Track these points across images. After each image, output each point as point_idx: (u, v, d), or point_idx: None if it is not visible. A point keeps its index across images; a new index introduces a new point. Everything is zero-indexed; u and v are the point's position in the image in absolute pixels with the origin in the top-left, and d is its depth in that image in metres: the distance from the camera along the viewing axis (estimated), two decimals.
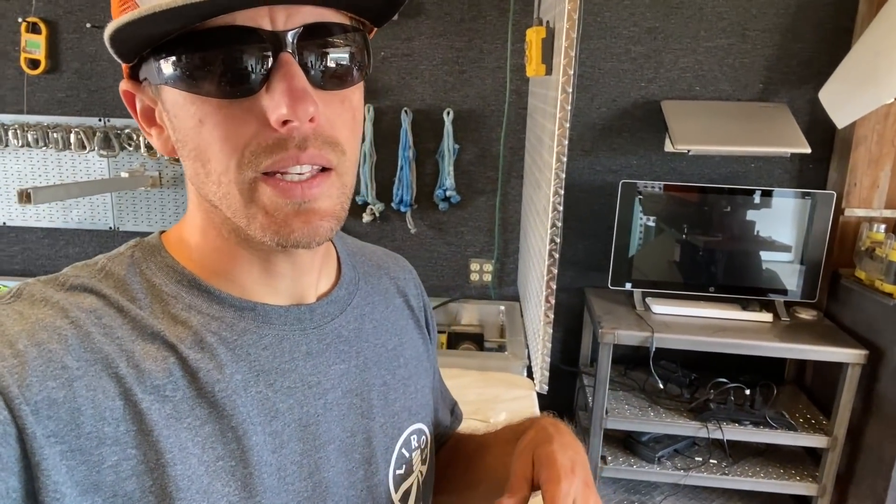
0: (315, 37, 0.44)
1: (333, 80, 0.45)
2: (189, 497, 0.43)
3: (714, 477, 1.93)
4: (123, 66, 0.46)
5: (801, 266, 1.95)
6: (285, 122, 0.42)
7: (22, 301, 0.44)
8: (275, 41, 0.42)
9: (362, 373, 0.55)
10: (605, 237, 2.13)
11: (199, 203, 0.49)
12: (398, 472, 0.58)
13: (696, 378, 2.05)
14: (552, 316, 1.44)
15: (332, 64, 0.45)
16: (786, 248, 1.96)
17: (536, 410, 1.42)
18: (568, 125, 1.33)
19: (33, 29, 2.10)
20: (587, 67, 2.05)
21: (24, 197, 1.54)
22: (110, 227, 2.24)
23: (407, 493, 0.59)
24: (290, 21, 0.42)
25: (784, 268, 1.97)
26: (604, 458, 1.98)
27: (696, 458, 1.99)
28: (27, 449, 0.38)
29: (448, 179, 2.08)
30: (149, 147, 2.11)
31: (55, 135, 2.13)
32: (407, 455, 0.59)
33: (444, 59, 2.06)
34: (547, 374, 1.50)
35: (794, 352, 1.83)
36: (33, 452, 0.38)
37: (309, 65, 0.43)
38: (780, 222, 1.96)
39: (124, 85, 0.48)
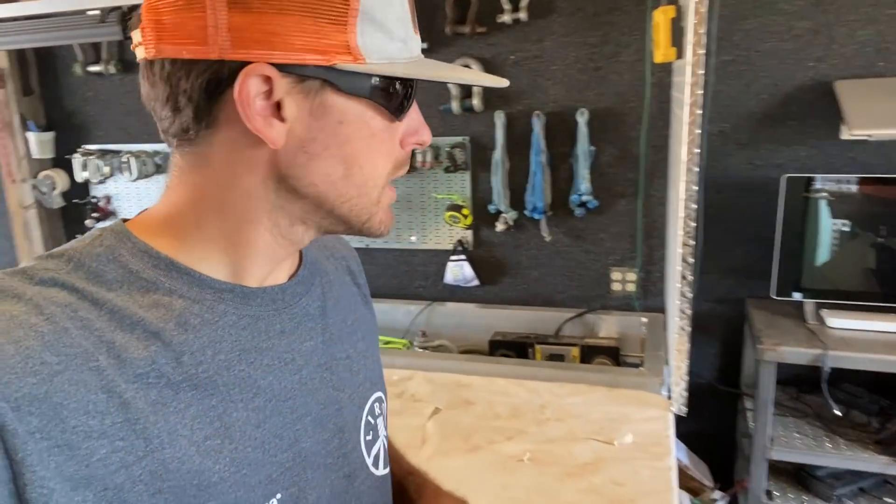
0: None
1: None
2: (180, 478, 0.45)
3: None
4: (274, 58, 0.47)
5: None
6: (419, 144, 0.56)
7: None
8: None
9: (329, 348, 0.60)
10: (768, 241, 1.87)
11: (243, 192, 0.51)
12: (367, 438, 0.63)
13: (889, 405, 1.72)
14: (689, 329, 1.28)
15: None
16: None
17: (671, 434, 1.26)
18: (700, 112, 1.18)
19: None
20: (741, 50, 1.83)
21: None
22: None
23: (377, 458, 0.64)
24: None
25: None
26: (769, 493, 1.72)
27: (887, 500, 1.66)
28: (8, 446, 0.39)
29: (584, 184, 1.96)
30: None
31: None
32: (373, 422, 0.64)
33: (578, 56, 1.96)
34: (685, 394, 1.33)
35: None
36: (15, 449, 0.39)
37: None
38: None
39: (268, 70, 0.47)
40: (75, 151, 2.42)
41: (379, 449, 0.65)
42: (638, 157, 1.97)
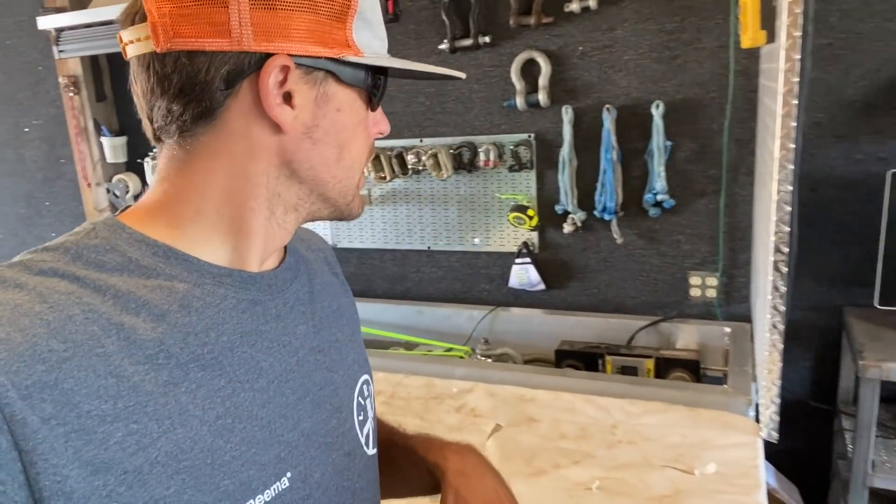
0: None
1: None
2: (194, 457, 0.46)
3: None
4: (292, 50, 0.52)
5: None
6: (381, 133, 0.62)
7: None
8: None
9: (320, 331, 0.62)
10: (870, 244, 1.68)
11: (246, 177, 0.54)
12: (359, 418, 0.65)
13: None
14: (782, 346, 1.14)
15: None
16: None
17: (760, 463, 1.13)
18: (795, 102, 1.04)
19: None
20: (839, 33, 1.65)
21: None
22: (330, 245, 2.37)
23: (368, 437, 0.66)
24: None
25: None
26: None
27: None
28: (17, 437, 0.39)
29: (659, 182, 1.82)
30: None
31: None
32: (363, 402, 0.67)
33: (652, 45, 1.82)
34: (777, 417, 1.19)
35: None
36: (26, 438, 0.39)
37: None
38: None
39: (287, 61, 0.51)
40: (146, 155, 2.47)
41: (369, 429, 0.67)
42: (720, 152, 1.81)
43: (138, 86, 0.53)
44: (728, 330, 1.74)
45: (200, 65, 0.50)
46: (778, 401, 1.16)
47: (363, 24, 0.54)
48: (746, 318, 1.84)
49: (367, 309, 2.22)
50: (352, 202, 0.60)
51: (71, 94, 2.44)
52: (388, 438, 0.78)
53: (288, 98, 0.52)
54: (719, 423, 1.24)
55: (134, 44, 0.52)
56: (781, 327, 1.13)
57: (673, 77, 1.82)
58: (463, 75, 0.64)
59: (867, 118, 1.67)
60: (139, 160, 2.49)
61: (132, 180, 2.51)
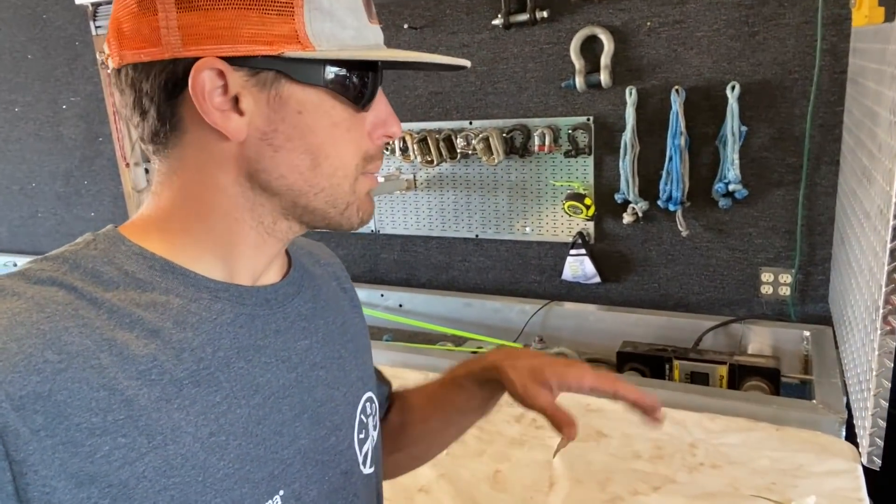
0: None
1: None
2: (185, 473, 0.46)
3: None
4: (222, 52, 0.48)
5: None
6: (388, 137, 0.56)
7: None
8: (380, 74, 0.55)
9: (322, 347, 0.61)
10: None
11: (218, 188, 0.52)
12: (360, 436, 0.64)
13: None
14: (892, 363, 1.00)
15: None
16: None
17: (865, 497, 1.01)
18: None
19: None
20: None
21: None
22: (372, 230, 2.28)
23: (366, 456, 0.65)
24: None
25: None
26: None
27: None
28: (9, 448, 0.39)
29: (732, 170, 1.68)
30: (403, 151, 2.08)
31: None
32: (364, 421, 0.65)
33: (729, 20, 1.66)
34: (881, 441, 1.06)
35: None
36: (17, 450, 0.39)
37: None
38: None
39: (219, 64, 0.48)
40: None
41: (369, 448, 0.66)
42: (801, 139, 1.66)
43: (115, 99, 0.54)
44: (807, 334, 1.60)
45: (143, 77, 0.49)
46: (884, 424, 1.03)
47: (321, 14, 0.49)
48: (824, 319, 1.70)
49: (411, 299, 2.13)
50: (346, 212, 0.55)
51: (108, 71, 2.37)
52: (425, 391, 0.80)
53: (236, 103, 0.50)
54: (811, 444, 1.12)
55: (107, 59, 0.52)
56: (893, 343, 1.00)
57: (751, 55, 1.66)
58: (467, 63, 0.57)
59: None
60: None
61: None
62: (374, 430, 0.69)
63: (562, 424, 0.64)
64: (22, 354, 0.41)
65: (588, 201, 1.87)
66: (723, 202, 1.74)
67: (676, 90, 1.71)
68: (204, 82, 0.48)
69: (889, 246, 0.98)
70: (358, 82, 0.52)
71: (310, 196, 0.53)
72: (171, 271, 0.51)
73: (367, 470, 0.66)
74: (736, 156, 1.67)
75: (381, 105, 0.56)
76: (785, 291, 1.75)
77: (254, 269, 0.56)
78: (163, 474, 0.44)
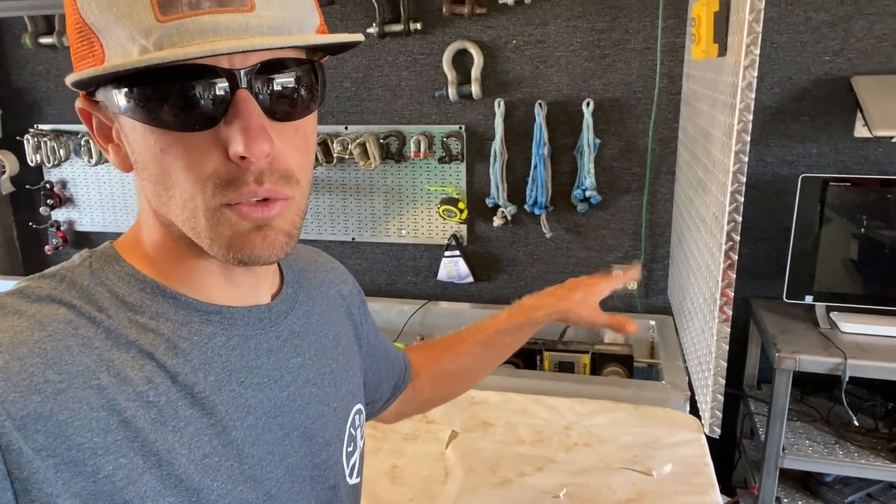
0: (270, 72, 0.46)
1: (288, 111, 0.48)
2: (179, 494, 0.46)
3: None
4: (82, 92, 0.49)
5: None
6: (243, 158, 0.45)
7: None
8: (231, 79, 0.44)
9: (314, 363, 0.60)
10: (777, 241, 1.82)
11: (154, 217, 0.51)
12: (348, 449, 0.64)
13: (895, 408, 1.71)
14: (727, 347, 1.20)
15: (286, 97, 0.48)
16: None
17: (709, 461, 1.19)
18: (751, 117, 1.09)
19: None
20: None
21: None
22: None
23: (353, 468, 0.66)
24: (246, 60, 0.45)
25: None
26: (779, 501, 1.69)
27: None
28: (11, 466, 0.39)
29: (588, 178, 1.86)
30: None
31: None
32: (353, 433, 0.66)
33: (584, 43, 1.84)
34: (719, 414, 1.25)
35: None
36: (20, 467, 0.39)
37: (264, 99, 0.46)
38: None
39: (80, 104, 0.49)
40: (26, 132, 2.19)
41: (356, 459, 0.67)
42: (644, 151, 1.88)
43: None
44: (652, 322, 1.82)
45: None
46: (721, 398, 1.23)
47: (109, 38, 0.43)
48: (665, 309, 1.94)
49: None
50: (215, 248, 0.47)
51: None
52: (464, 337, 0.89)
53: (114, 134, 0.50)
54: (663, 420, 1.30)
55: None
56: (728, 331, 1.19)
57: (602, 75, 1.85)
58: (320, 38, 0.47)
59: (778, 124, 1.79)
60: (18, 137, 2.20)
61: (9, 159, 2.23)
62: (361, 440, 0.69)
63: (624, 325, 0.88)
64: (24, 374, 0.41)
65: (461, 205, 1.97)
66: (581, 207, 1.92)
67: (540, 104, 1.86)
68: (85, 118, 0.51)
69: (724, 247, 1.17)
70: (144, 101, 0.44)
71: (185, 228, 0.48)
72: (162, 294, 0.50)
73: (353, 480, 0.67)
74: (591, 165, 1.86)
75: (235, 121, 0.44)
76: (632, 286, 1.97)
77: (239, 288, 0.54)
78: (158, 494, 0.45)
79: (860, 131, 1.72)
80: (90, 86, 0.47)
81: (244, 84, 0.44)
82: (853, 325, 1.65)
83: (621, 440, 1.23)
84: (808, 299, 1.71)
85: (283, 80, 0.47)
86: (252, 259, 0.48)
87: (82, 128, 2.17)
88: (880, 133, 1.52)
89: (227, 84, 0.44)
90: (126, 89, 0.44)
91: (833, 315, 1.70)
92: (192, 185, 0.45)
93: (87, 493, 0.41)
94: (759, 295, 1.89)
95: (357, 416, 0.67)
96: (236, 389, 0.51)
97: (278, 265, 0.62)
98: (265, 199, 0.47)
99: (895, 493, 1.70)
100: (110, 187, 2.25)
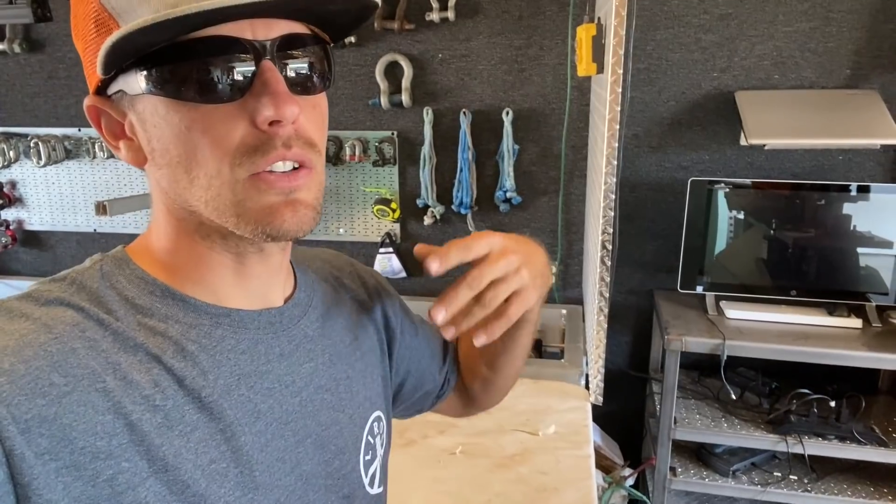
0: (290, 47, 0.48)
1: (306, 86, 0.49)
2: (185, 500, 0.45)
3: (795, 493, 1.80)
4: (92, 82, 0.49)
5: None
6: (272, 123, 0.46)
7: (0, 317, 0.44)
8: (256, 50, 0.46)
9: (329, 369, 0.59)
10: (675, 237, 2.03)
11: (168, 212, 0.51)
12: (366, 458, 0.63)
13: (777, 387, 1.92)
14: (606, 326, 1.38)
15: (304, 72, 0.49)
16: (887, 245, 1.78)
17: (589, 423, 1.37)
18: (619, 127, 1.27)
19: None
20: (654, 59, 1.95)
21: (101, 209, 1.65)
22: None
23: (373, 477, 0.64)
24: (269, 32, 0.46)
25: (885, 268, 1.80)
26: (673, 470, 1.89)
27: (776, 473, 1.86)
28: (14, 471, 0.39)
29: (508, 181, 2.05)
30: None
31: None
32: (372, 441, 0.64)
33: (503, 57, 2.02)
34: (602, 385, 1.44)
35: (885, 362, 1.67)
36: (22, 472, 0.39)
37: (285, 72, 0.47)
38: (879, 219, 1.79)
39: (90, 101, 0.50)
40: None
41: (376, 468, 0.65)
42: (559, 156, 2.07)
43: None
44: (564, 311, 2.01)
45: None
46: (603, 371, 1.41)
47: (130, 11, 0.44)
48: (579, 300, 2.13)
49: None
50: (239, 224, 0.47)
51: None
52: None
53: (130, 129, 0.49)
54: (558, 391, 1.48)
55: None
56: (606, 311, 1.37)
57: (520, 87, 2.04)
58: None
59: (674, 133, 2.00)
60: None
61: None
62: (382, 448, 0.67)
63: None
64: (29, 377, 0.40)
65: (394, 206, 2.13)
66: (503, 207, 2.10)
67: (464, 112, 2.04)
68: (93, 117, 0.50)
69: (601, 238, 1.35)
70: (168, 75, 0.45)
71: (205, 212, 0.48)
72: (171, 297, 0.50)
73: (375, 490, 0.65)
74: (511, 169, 2.04)
75: (262, 88, 0.46)
76: (551, 280, 2.15)
77: (251, 289, 0.54)
78: (163, 499, 0.44)
79: (744, 140, 1.93)
80: (120, 59, 0.44)
81: (269, 55, 0.46)
82: (737, 312, 1.86)
83: (517, 408, 1.40)
84: (699, 289, 1.91)
85: (302, 55, 0.49)
86: (282, 233, 0.47)
87: (32, 130, 2.27)
88: (754, 141, 1.74)
89: (252, 55, 0.45)
90: (152, 67, 0.45)
91: (722, 303, 1.91)
92: (218, 160, 0.46)
93: (86, 498, 0.41)
94: (662, 287, 2.09)
95: (376, 424, 0.65)
96: (245, 394, 0.50)
97: (292, 268, 0.61)
98: (292, 170, 0.48)
99: (777, 462, 1.91)
100: (59, 188, 2.34)
